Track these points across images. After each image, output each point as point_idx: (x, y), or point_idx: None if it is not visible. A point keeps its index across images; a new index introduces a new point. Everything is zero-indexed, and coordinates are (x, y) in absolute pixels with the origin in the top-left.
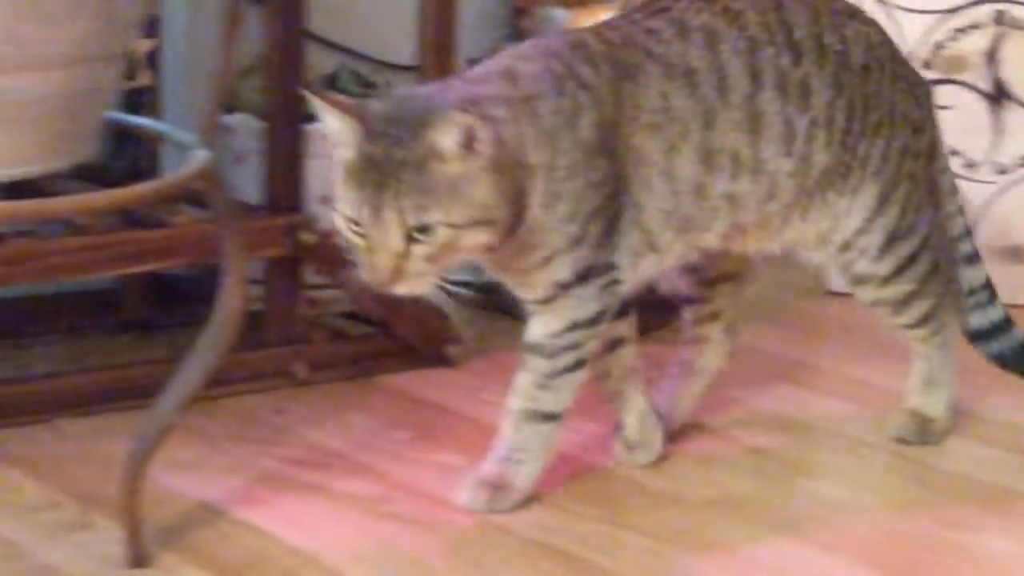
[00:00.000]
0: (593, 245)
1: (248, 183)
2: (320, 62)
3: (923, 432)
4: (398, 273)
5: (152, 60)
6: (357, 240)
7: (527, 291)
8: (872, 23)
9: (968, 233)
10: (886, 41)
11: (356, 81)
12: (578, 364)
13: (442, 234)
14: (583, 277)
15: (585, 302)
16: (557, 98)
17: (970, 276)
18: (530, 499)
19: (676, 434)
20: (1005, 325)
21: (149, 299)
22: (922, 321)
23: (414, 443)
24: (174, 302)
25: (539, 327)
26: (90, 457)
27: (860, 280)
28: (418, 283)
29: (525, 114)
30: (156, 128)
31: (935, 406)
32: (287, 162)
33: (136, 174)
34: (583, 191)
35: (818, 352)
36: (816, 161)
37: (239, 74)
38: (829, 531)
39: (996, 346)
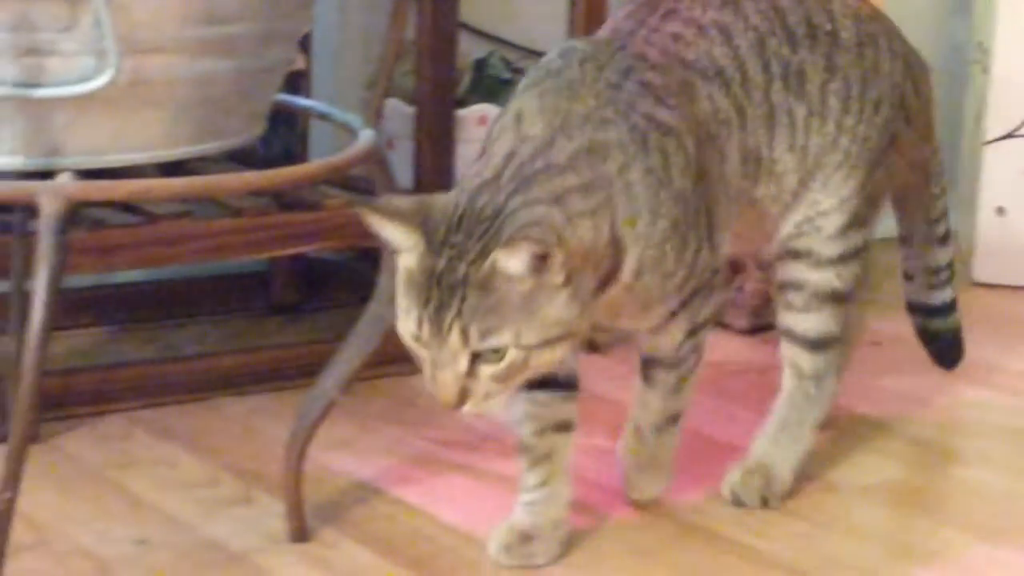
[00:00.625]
0: (698, 271)
1: (399, 168)
2: (470, 48)
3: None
4: (464, 394)
5: (304, 43)
6: (421, 353)
7: (632, 325)
8: None
9: (945, 215)
10: (877, 15)
11: (505, 67)
12: (700, 358)
13: (512, 355)
14: (693, 295)
15: (699, 308)
16: (645, 158)
17: (939, 256)
18: (692, 484)
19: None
20: (952, 307)
21: (297, 283)
22: (821, 342)
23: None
24: (320, 286)
25: (657, 344)
26: (247, 436)
27: (797, 253)
28: (487, 404)
29: (618, 192)
30: (320, 109)
31: (780, 459)
32: (437, 146)
33: (288, 157)
34: (684, 238)
35: (966, 341)
36: (811, 149)
37: None
38: (983, 516)
39: (936, 324)
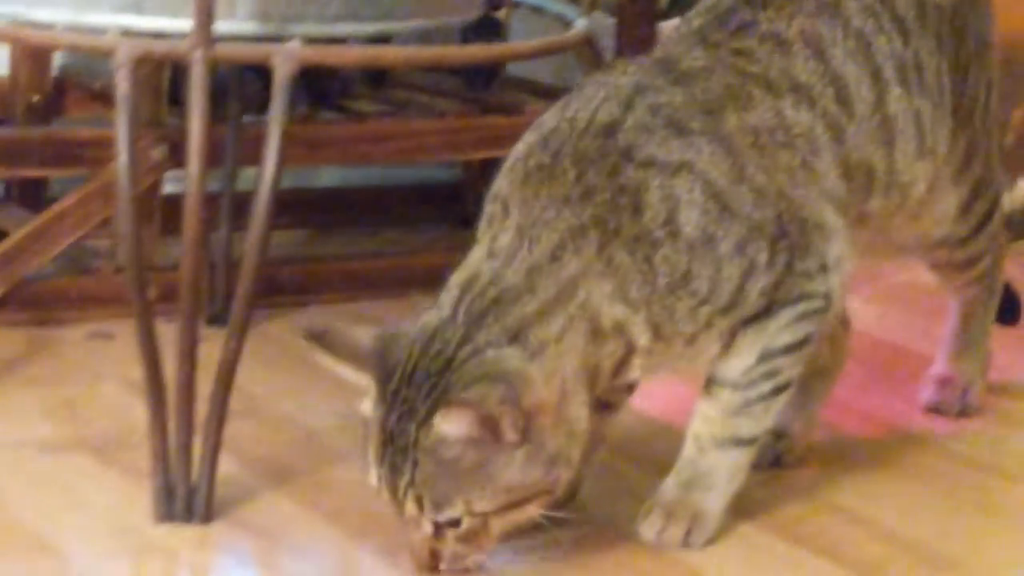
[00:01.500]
0: (752, 293)
1: None
2: None
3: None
4: (436, 556)
5: None
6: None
7: (692, 363)
8: None
9: None
10: None
11: None
12: (779, 390)
13: (468, 523)
14: (756, 318)
15: (774, 332)
16: (634, 224)
17: None
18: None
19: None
20: None
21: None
22: (980, 278)
23: None
24: None
25: (723, 365)
26: None
27: (934, 245)
28: (462, 564)
29: (595, 279)
30: (533, 2)
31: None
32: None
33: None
34: (717, 263)
35: None
36: (940, 147)
37: None
38: None
39: None
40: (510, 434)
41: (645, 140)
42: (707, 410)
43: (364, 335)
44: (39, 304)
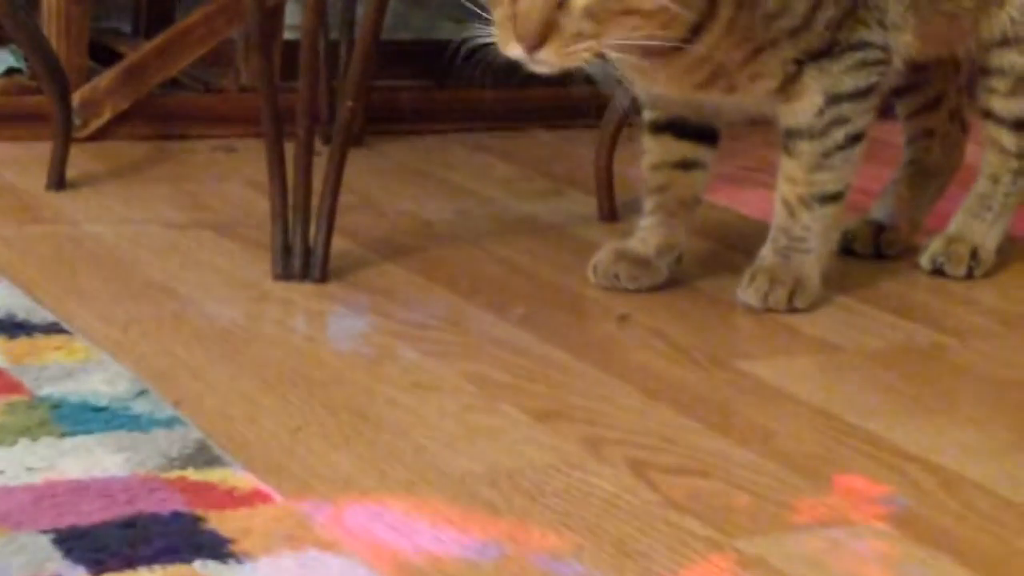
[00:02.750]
0: (818, 26)
1: None
2: None
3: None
4: (549, 29)
5: None
6: None
7: (756, 87)
8: None
9: None
10: None
11: None
12: (853, 139)
13: None
14: (820, 54)
15: (837, 74)
16: None
17: None
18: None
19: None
20: None
21: None
22: None
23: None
24: None
25: (793, 112)
26: (560, 154)
27: (1007, 41)
28: (570, 53)
29: None
30: None
31: (982, 233)
32: None
33: None
34: None
35: None
36: None
37: None
38: None
39: None
40: None
41: None
42: (790, 169)
43: None
44: (166, 119)
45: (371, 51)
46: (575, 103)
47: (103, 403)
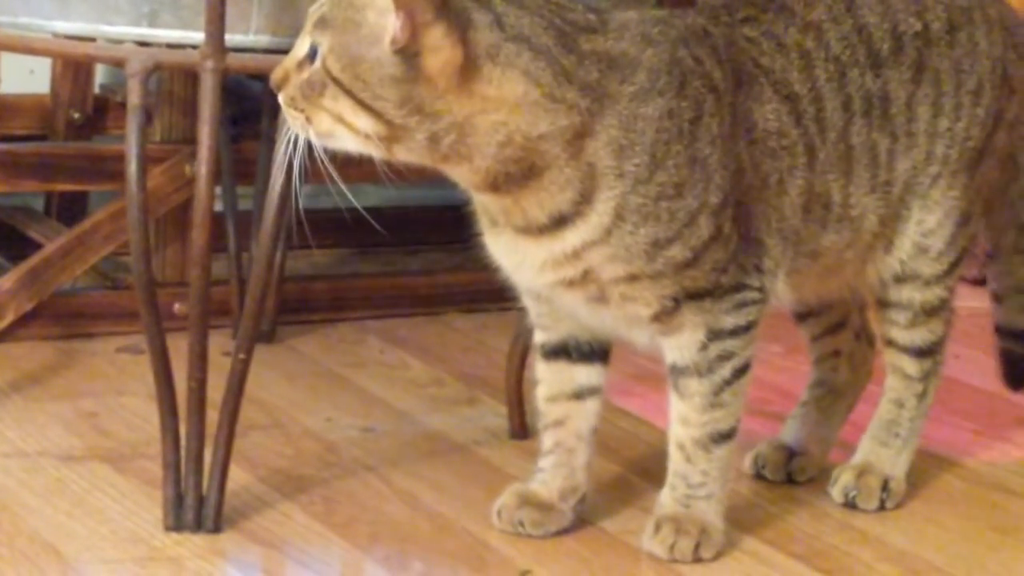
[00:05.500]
0: (705, 265)
1: None
2: None
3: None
4: (285, 78)
5: None
6: None
7: (624, 308)
8: None
9: None
10: None
11: None
12: (740, 372)
13: (318, 71)
14: (705, 294)
15: (718, 313)
16: (674, 100)
17: None
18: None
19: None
20: None
21: None
22: (931, 349)
23: (787, 355)
24: None
25: (678, 347)
26: (475, 347)
27: (903, 278)
28: (290, 104)
29: (612, 116)
30: None
31: (891, 461)
32: None
33: None
34: (692, 215)
35: None
36: (898, 180)
37: None
38: None
39: None
40: (402, 29)
41: (699, 47)
42: (683, 411)
43: None
44: (70, 318)
45: (263, 297)
46: (493, 285)
47: None
